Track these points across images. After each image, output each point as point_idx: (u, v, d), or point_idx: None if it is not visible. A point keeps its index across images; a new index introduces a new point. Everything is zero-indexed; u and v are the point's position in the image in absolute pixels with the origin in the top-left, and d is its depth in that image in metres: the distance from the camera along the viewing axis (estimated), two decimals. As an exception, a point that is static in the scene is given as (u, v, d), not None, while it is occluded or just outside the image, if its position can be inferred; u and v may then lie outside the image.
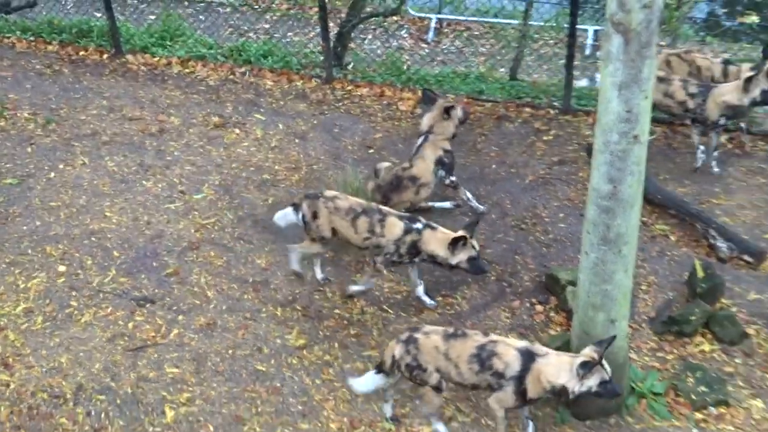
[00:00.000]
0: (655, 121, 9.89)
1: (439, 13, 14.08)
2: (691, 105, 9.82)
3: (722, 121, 9.78)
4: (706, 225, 9.20)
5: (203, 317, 8.39)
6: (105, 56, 12.48)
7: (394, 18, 13.22)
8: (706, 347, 8.14)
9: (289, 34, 13.45)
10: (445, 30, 13.98)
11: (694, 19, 15.23)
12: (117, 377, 7.79)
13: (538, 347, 6.85)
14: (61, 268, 8.90)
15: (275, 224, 8.83)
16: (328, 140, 10.67)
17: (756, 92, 9.47)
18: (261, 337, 8.19)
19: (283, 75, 11.93)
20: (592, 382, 6.39)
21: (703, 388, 7.62)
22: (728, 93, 9.60)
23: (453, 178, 9.50)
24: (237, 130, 10.87)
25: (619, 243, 6.80)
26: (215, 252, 9.11)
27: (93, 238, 9.26)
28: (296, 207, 8.53)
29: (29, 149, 10.53)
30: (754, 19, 14.85)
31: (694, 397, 7.58)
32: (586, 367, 6.38)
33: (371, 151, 10.26)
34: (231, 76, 11.94)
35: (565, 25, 10.81)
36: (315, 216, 8.34)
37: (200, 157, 10.45)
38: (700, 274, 8.37)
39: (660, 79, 9.92)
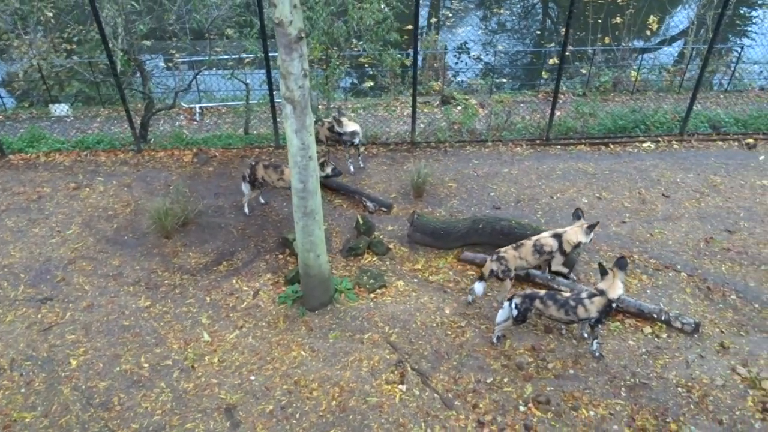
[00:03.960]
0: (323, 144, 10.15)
1: (200, 102, 13.59)
2: (329, 135, 9.98)
3: (354, 141, 9.95)
4: (360, 195, 9.50)
5: (85, 302, 7.73)
6: (-6, 158, 11.08)
7: (175, 109, 12.61)
8: (370, 259, 8.45)
9: (112, 128, 12.51)
10: (206, 112, 13.49)
11: (343, 86, 15.65)
12: (36, 348, 7.07)
13: (559, 229, 7.42)
14: (-13, 291, 7.94)
15: (126, 241, 8.35)
16: (144, 186, 10.04)
17: (344, 130, 9.78)
18: (123, 305, 7.67)
19: (111, 152, 11.04)
20: (590, 236, 7.30)
21: (372, 281, 7.92)
22: (346, 127, 9.83)
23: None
24: (87, 189, 9.97)
25: (313, 214, 6.93)
26: (86, 262, 8.39)
27: (5, 269, 8.28)
28: None
29: (-46, 223, 9.22)
30: (371, 84, 15.48)
31: (368, 286, 7.86)
32: (591, 228, 7.25)
33: (171, 187, 9.78)
34: (78, 158, 10.91)
35: (270, 101, 10.73)
36: None
37: (67, 208, 9.53)
38: (361, 222, 8.63)
39: (321, 123, 10.08)
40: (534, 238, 7.38)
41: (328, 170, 8.99)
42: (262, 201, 9.52)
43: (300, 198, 6.80)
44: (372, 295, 7.75)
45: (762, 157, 10.66)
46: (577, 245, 7.34)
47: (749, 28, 19.53)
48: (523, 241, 7.39)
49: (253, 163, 9.11)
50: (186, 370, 6.80)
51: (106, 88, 13.79)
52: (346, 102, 13.82)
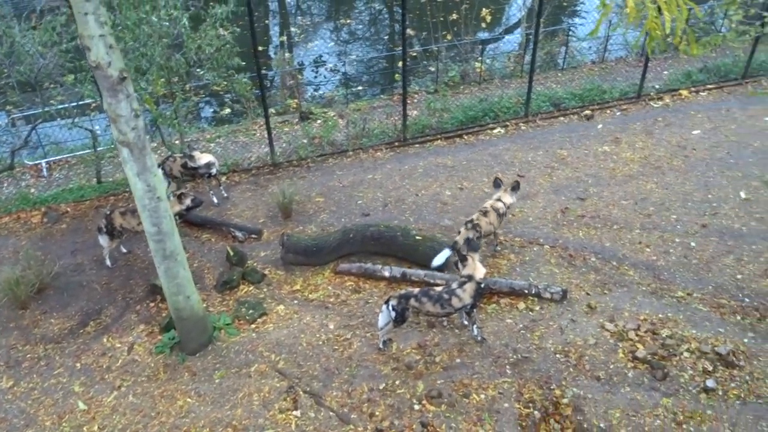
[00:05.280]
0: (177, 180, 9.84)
1: (46, 157, 12.72)
2: (183, 170, 9.72)
3: (212, 172, 9.75)
4: (227, 226, 9.29)
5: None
6: None
7: (16, 169, 11.70)
8: (247, 289, 8.27)
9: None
10: (54, 167, 12.62)
11: (205, 116, 15.21)
12: None
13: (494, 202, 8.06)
14: None
15: None
16: (-10, 256, 9.23)
17: (198, 163, 9.63)
18: (-19, 392, 7.03)
19: (-54, 226, 10.06)
20: (515, 196, 8.26)
21: (251, 311, 7.77)
22: (199, 160, 9.68)
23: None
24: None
25: (174, 255, 6.69)
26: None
27: None
28: None
29: None
30: (228, 111, 15.17)
31: (248, 317, 7.71)
32: (516, 187, 8.09)
33: (20, 254, 9.01)
34: None
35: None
36: None
37: None
38: (231, 253, 8.46)
39: (173, 159, 9.75)
40: (488, 204, 8.06)
41: (188, 202, 8.65)
42: (125, 250, 9.06)
43: (156, 241, 6.53)
44: (253, 326, 7.59)
45: (600, 126, 11.55)
46: (510, 206, 8.15)
47: (577, 8, 21.12)
48: (485, 208, 8.04)
49: (108, 212, 8.66)
50: (62, 446, 6.33)
51: (-64, 157, 12.61)
52: (204, 132, 13.48)
